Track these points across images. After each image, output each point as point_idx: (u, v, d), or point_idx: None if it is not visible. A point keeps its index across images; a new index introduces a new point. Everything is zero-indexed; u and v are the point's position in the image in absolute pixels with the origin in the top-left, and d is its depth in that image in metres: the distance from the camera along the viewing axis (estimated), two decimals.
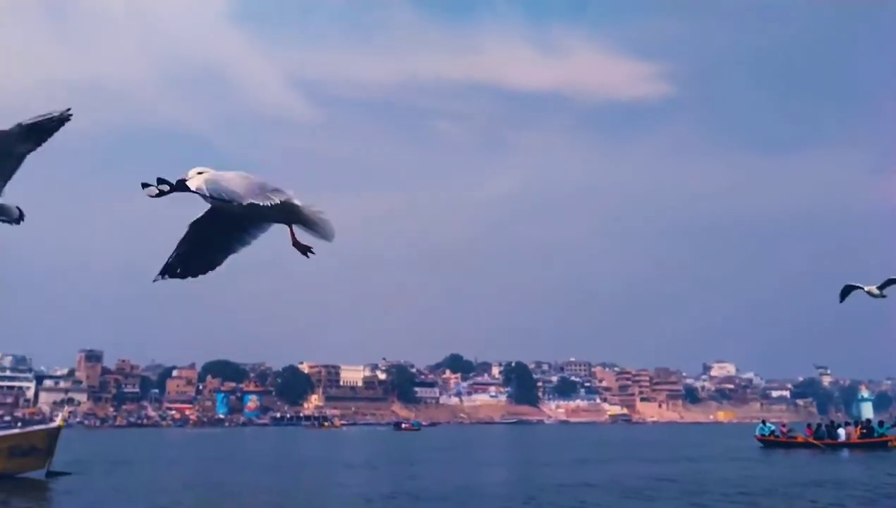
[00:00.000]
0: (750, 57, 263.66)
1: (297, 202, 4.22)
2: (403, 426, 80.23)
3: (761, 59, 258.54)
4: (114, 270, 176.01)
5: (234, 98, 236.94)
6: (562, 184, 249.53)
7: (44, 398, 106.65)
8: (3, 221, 5.18)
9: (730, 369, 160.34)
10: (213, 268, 4.89)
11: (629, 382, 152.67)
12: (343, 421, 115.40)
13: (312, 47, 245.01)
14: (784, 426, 34.94)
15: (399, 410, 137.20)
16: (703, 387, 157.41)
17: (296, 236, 4.42)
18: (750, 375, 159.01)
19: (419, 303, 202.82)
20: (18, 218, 5.32)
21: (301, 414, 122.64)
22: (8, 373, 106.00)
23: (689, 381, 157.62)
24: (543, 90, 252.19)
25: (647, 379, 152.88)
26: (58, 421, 18.69)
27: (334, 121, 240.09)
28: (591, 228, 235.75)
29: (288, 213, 4.32)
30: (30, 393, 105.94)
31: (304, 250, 4.43)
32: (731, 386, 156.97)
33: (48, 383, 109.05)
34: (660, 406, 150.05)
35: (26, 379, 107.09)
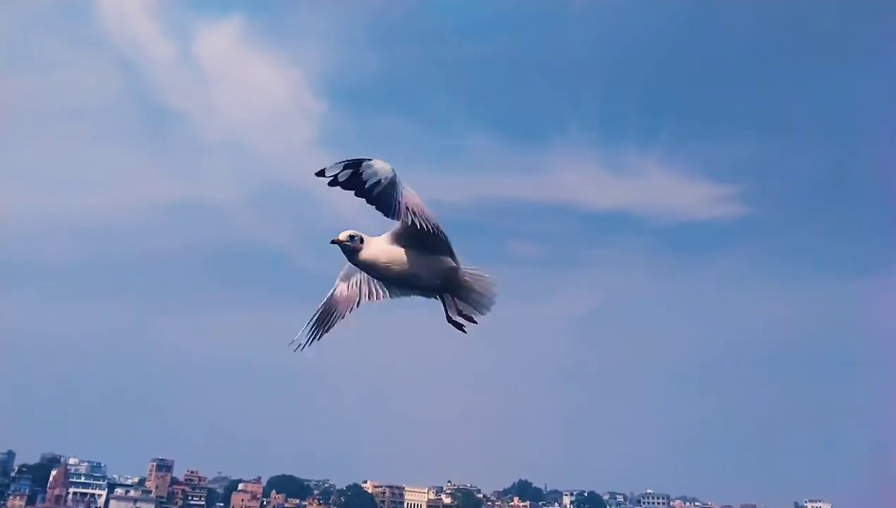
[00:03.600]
0: (826, 175, 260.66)
1: (453, 263, 4.02)
2: None
3: (838, 177, 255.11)
4: (188, 381, 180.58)
5: (316, 218, 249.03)
6: (637, 304, 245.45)
7: (114, 506, 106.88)
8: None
9: None
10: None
11: None
12: None
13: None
14: None
15: None
16: None
17: (454, 308, 4.12)
18: None
19: (488, 424, 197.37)
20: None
21: None
22: (83, 480, 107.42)
23: None
24: (617, 211, 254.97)
25: None
26: None
27: None
28: (667, 351, 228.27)
29: (446, 277, 4.09)
30: (101, 501, 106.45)
31: (461, 325, 4.17)
32: None
33: (119, 491, 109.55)
34: None
35: (99, 486, 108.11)
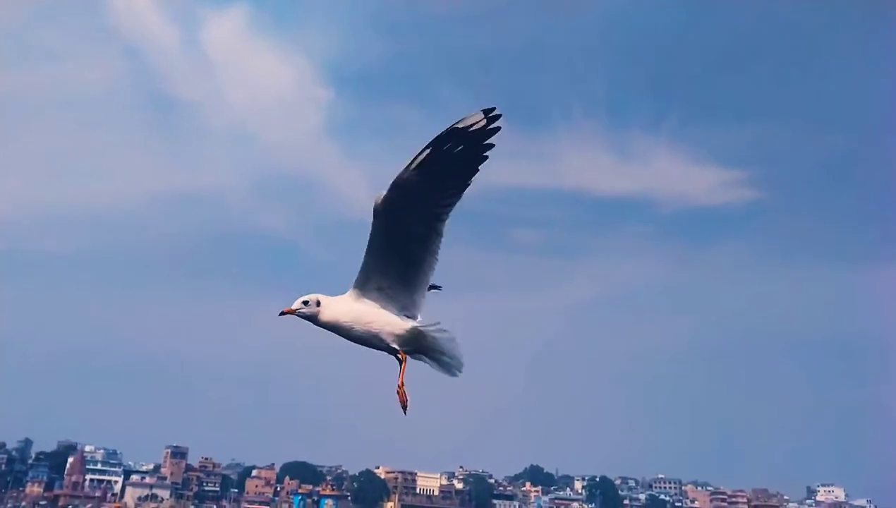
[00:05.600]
0: (838, 160, 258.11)
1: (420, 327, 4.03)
2: None
3: (850, 163, 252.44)
4: (202, 369, 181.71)
5: (322, 205, 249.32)
6: (643, 292, 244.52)
7: (129, 493, 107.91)
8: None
9: (838, 494, 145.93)
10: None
11: (724, 504, 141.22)
12: None
13: (396, 156, 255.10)
14: None
15: None
16: None
17: (403, 379, 4.15)
18: (862, 502, 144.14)
19: (498, 410, 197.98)
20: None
21: None
22: (99, 467, 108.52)
23: (791, 506, 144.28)
24: (623, 197, 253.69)
25: (745, 501, 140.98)
26: None
27: None
28: (675, 338, 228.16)
29: (409, 339, 4.09)
30: (117, 487, 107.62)
31: (403, 405, 4.22)
32: None
33: (135, 478, 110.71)
34: None
35: (115, 473, 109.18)
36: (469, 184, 3.53)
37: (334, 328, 4.05)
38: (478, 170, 3.52)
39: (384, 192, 3.55)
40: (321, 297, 3.92)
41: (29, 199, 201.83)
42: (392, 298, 3.93)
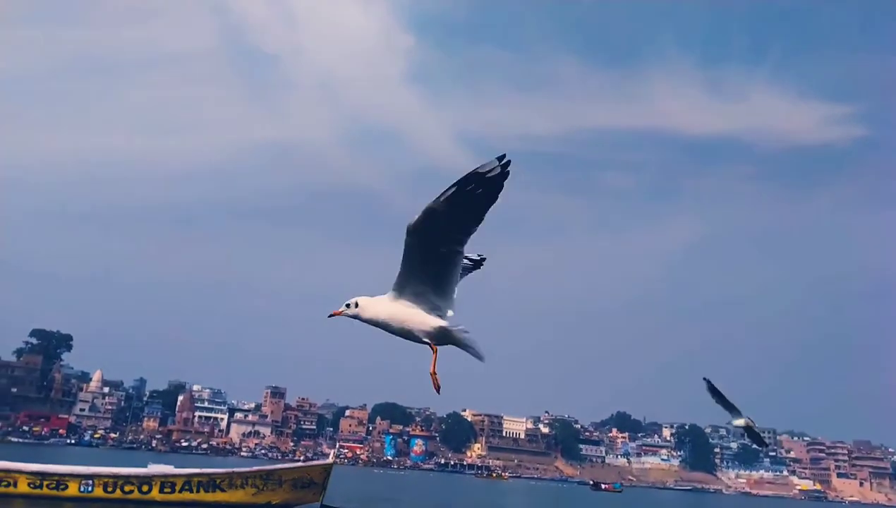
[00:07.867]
0: None
1: (443, 324, 4.52)
2: (604, 486, 75.38)
3: None
4: (297, 316, 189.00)
5: (406, 154, 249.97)
6: (741, 235, 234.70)
7: (234, 429, 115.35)
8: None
9: None
10: None
11: (822, 455, 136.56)
12: (507, 474, 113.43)
13: (480, 102, 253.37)
14: None
15: (563, 467, 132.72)
16: None
17: (434, 367, 4.65)
18: None
19: (585, 356, 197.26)
20: None
21: (464, 462, 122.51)
22: (206, 405, 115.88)
23: None
24: (719, 136, 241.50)
25: (845, 452, 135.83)
26: (330, 459, 18.94)
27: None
28: (773, 281, 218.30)
29: (439, 336, 4.59)
30: (223, 424, 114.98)
31: (437, 387, 4.70)
32: None
33: (238, 415, 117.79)
34: (861, 484, 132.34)
35: (221, 411, 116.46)
36: (483, 219, 4.18)
37: (374, 324, 4.67)
38: (489, 208, 4.14)
39: (417, 216, 4.15)
40: (360, 300, 4.64)
41: (133, 153, 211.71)
42: (425, 300, 4.55)
